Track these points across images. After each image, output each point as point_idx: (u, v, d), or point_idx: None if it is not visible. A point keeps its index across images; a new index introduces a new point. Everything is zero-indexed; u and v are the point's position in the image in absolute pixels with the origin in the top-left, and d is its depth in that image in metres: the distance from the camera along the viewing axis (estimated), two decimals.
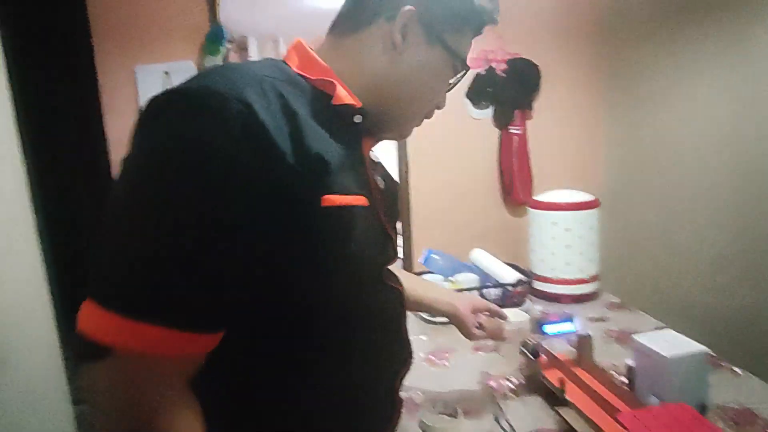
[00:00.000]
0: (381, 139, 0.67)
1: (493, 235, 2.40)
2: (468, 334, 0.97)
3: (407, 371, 0.70)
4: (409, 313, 1.43)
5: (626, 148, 2.31)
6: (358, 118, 0.58)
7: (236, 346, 0.49)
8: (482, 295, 1.49)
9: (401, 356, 0.68)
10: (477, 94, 2.32)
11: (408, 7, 0.57)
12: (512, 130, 2.36)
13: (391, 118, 0.62)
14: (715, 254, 1.82)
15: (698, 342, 1.15)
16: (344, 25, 0.61)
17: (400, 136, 0.68)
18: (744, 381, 1.02)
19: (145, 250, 0.42)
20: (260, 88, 0.47)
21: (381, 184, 0.68)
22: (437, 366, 1.16)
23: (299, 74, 0.57)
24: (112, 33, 2.03)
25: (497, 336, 1.00)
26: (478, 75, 2.31)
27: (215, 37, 2.01)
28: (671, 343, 0.86)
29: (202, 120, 0.43)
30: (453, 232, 2.39)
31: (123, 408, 0.44)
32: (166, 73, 2.02)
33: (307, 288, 0.51)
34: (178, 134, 0.43)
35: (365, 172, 0.60)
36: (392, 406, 0.67)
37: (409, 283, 0.88)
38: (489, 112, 2.37)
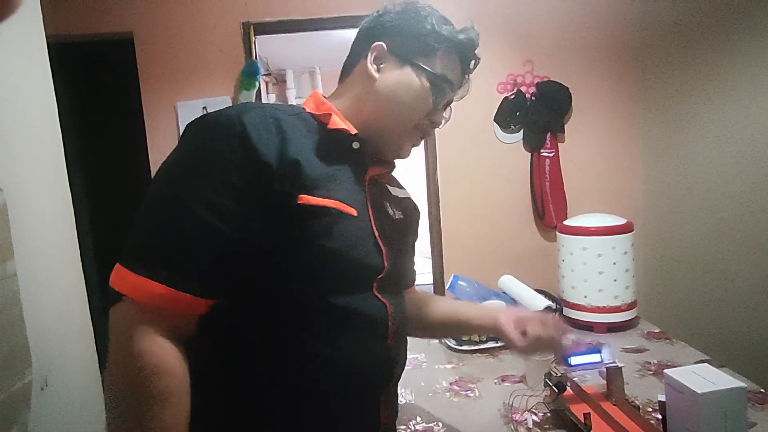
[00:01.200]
0: (386, 164, 0.77)
1: (525, 261, 2.35)
2: (511, 344, 0.82)
3: (391, 385, 0.71)
4: (434, 342, 1.43)
5: (665, 169, 2.22)
6: (356, 145, 0.69)
7: (226, 323, 0.60)
8: None
9: (385, 370, 0.69)
10: (506, 118, 2.32)
11: (377, 43, 0.71)
12: (544, 153, 2.32)
13: (383, 138, 0.72)
14: (765, 282, 1.70)
15: (746, 377, 1.07)
16: (343, 72, 0.77)
17: (401, 152, 0.75)
18: None
19: (154, 224, 0.56)
20: (260, 113, 0.62)
21: (396, 215, 0.76)
22: (460, 396, 1.13)
23: (310, 112, 0.70)
24: (156, 74, 2.18)
25: (546, 344, 0.82)
26: (506, 99, 2.31)
27: (250, 72, 2.11)
28: (706, 378, 0.80)
29: (212, 134, 0.60)
30: (484, 258, 2.35)
31: (121, 345, 0.54)
32: (204, 108, 2.13)
33: (290, 275, 0.61)
34: (195, 143, 0.60)
35: (362, 190, 0.69)
36: (375, 416, 0.69)
37: (451, 306, 0.93)
38: (519, 135, 2.35)
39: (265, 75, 3.84)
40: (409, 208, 0.83)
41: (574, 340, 1.43)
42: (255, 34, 2.22)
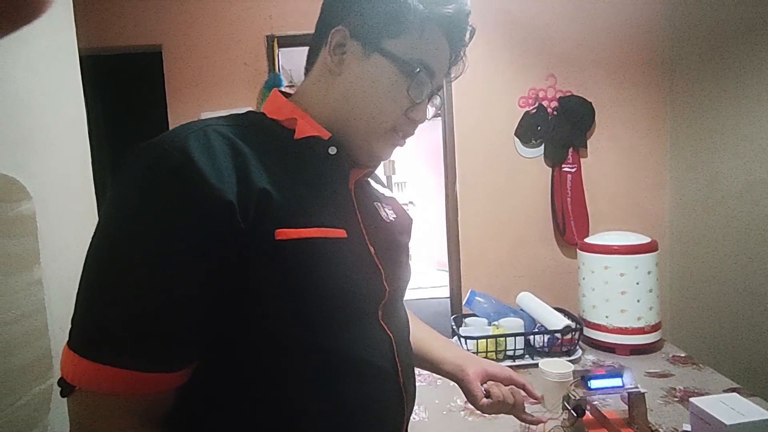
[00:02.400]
0: (368, 166, 0.65)
1: (544, 278, 2.31)
2: (474, 403, 0.80)
3: (407, 423, 0.64)
4: None
5: (693, 186, 2.16)
6: (332, 150, 0.58)
7: (210, 388, 0.51)
8: (528, 342, 1.42)
9: (396, 412, 0.61)
10: (526, 133, 2.30)
11: (336, 28, 0.58)
12: (566, 168, 2.30)
13: (358, 139, 0.60)
14: None
15: None
16: (307, 62, 0.64)
17: (378, 158, 0.63)
18: None
19: (104, 299, 0.45)
20: (203, 135, 0.49)
21: (388, 216, 0.67)
22: (475, 415, 1.11)
23: (271, 118, 0.59)
24: (182, 85, 2.24)
25: (512, 411, 0.80)
26: (527, 113, 2.29)
27: (272, 85, 2.15)
28: (735, 409, 0.77)
29: (150, 176, 0.46)
30: (502, 273, 2.32)
31: None
32: None
33: (280, 325, 0.50)
34: (131, 191, 0.47)
35: (347, 203, 0.59)
36: None
37: (420, 335, 0.82)
38: (540, 150, 2.33)
39: (288, 86, 3.90)
40: (398, 207, 0.73)
41: (594, 361, 1.39)
42: (279, 47, 2.27)
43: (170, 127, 2.42)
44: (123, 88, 2.69)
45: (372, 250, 0.59)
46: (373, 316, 0.59)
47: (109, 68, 2.44)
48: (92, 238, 0.49)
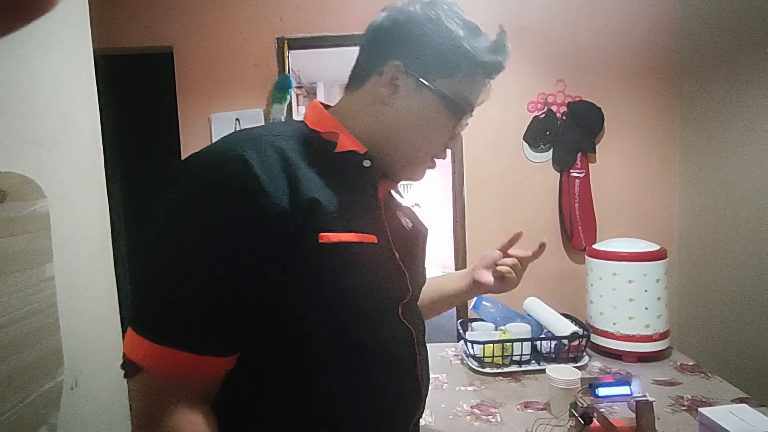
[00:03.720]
0: (398, 181, 0.71)
1: (552, 283, 2.30)
2: (488, 287, 0.91)
3: (420, 415, 0.69)
4: (456, 362, 1.40)
5: (703, 194, 2.15)
6: (366, 163, 0.63)
7: (250, 375, 0.55)
8: (534, 347, 1.42)
9: (415, 399, 0.66)
10: (535, 137, 2.29)
11: (394, 62, 0.62)
12: (574, 173, 2.29)
13: (396, 163, 0.66)
14: None
15: None
16: (351, 83, 0.68)
17: (412, 177, 0.70)
18: None
19: (164, 286, 0.51)
20: (258, 145, 0.54)
21: (408, 224, 0.73)
22: (481, 420, 1.11)
23: (312, 129, 0.64)
24: (192, 86, 2.26)
25: (519, 265, 0.94)
26: (535, 118, 2.29)
27: (282, 86, 2.16)
28: (744, 420, 0.76)
29: (208, 177, 0.52)
30: None
31: (147, 419, 0.51)
32: (237, 119, 2.19)
33: (315, 320, 0.55)
34: (190, 190, 0.53)
35: (377, 212, 0.64)
36: None
37: (433, 283, 0.93)
38: (549, 155, 2.32)
39: (296, 87, 3.92)
40: (415, 216, 0.79)
41: (601, 368, 1.38)
42: (289, 49, 2.28)
43: (181, 129, 2.43)
44: (134, 89, 2.72)
45: (397, 255, 0.65)
46: (394, 312, 0.64)
47: (121, 69, 2.47)
48: (151, 230, 0.53)
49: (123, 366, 0.52)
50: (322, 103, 0.69)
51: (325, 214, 0.55)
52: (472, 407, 1.17)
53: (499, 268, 0.91)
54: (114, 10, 2.23)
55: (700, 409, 0.81)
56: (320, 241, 0.54)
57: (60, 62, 1.04)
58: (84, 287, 1.10)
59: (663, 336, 1.42)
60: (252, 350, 0.55)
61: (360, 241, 0.58)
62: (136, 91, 2.75)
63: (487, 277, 0.90)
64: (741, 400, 1.15)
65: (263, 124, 0.64)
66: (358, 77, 0.67)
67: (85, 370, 1.08)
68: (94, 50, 1.18)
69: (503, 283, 0.92)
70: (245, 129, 0.59)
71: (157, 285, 0.52)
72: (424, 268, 0.79)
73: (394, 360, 0.62)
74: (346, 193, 0.59)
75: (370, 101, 0.65)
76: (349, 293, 0.56)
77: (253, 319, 0.53)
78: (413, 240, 0.73)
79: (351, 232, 0.57)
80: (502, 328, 1.45)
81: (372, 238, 0.60)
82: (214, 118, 2.23)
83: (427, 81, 0.62)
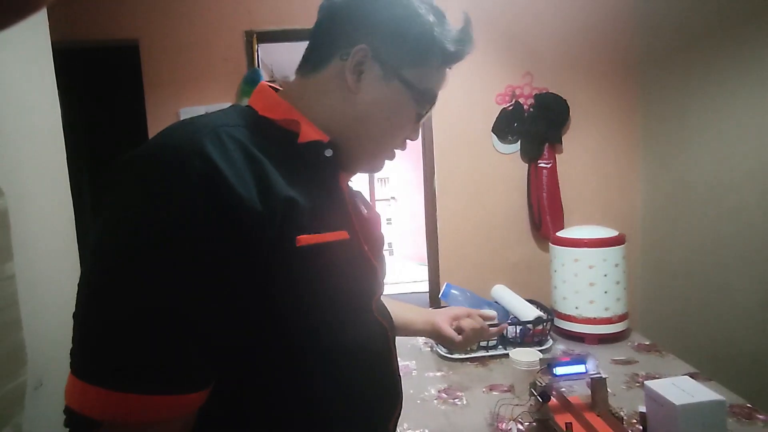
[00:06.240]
0: (355, 172, 0.67)
1: (520, 271, 2.36)
2: (452, 345, 0.95)
3: (399, 412, 0.68)
4: (426, 350, 1.44)
5: (663, 181, 2.24)
6: (328, 152, 0.57)
7: (224, 393, 0.50)
8: (504, 335, 1.46)
9: (392, 396, 0.65)
10: (503, 129, 2.34)
11: (360, 46, 0.57)
12: (541, 164, 2.35)
13: (357, 152, 0.62)
14: (761, 296, 1.71)
15: (737, 392, 1.08)
16: (307, 65, 0.61)
17: (372, 169, 0.67)
18: None
19: (117, 319, 0.41)
20: (218, 138, 0.47)
21: (365, 212, 0.68)
22: (448, 404, 1.15)
23: (264, 117, 0.57)
24: (160, 80, 2.22)
25: (482, 335, 0.98)
26: (504, 110, 2.34)
27: (251, 80, 2.14)
28: (685, 391, 0.81)
29: (163, 179, 0.43)
30: (479, 267, 2.37)
31: None
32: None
33: (293, 326, 0.51)
34: (143, 198, 0.43)
35: (344, 205, 0.61)
36: None
37: (390, 308, 0.88)
38: (517, 146, 2.37)
39: (269, 82, 3.88)
40: (366, 201, 0.74)
41: (563, 350, 1.44)
42: (258, 43, 2.27)
43: (149, 124, 2.38)
44: (99, 83, 2.66)
45: (366, 248, 0.61)
46: (369, 310, 0.63)
47: (85, 62, 2.41)
48: (94, 250, 0.44)
49: (69, 423, 0.42)
50: (270, 86, 0.63)
51: (301, 214, 0.49)
52: (439, 392, 1.21)
53: (462, 323, 0.96)
54: (78, 2, 2.17)
55: (645, 382, 0.86)
56: (298, 245, 0.49)
57: (16, 56, 1.02)
58: (48, 286, 1.08)
59: (622, 318, 1.49)
60: (228, 370, 0.49)
61: (335, 240, 0.54)
62: (103, 86, 2.69)
63: (450, 331, 0.94)
64: (691, 375, 1.22)
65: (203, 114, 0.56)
66: (316, 59, 0.60)
67: (50, 370, 1.07)
68: (55, 42, 1.15)
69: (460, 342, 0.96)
70: (189, 119, 0.51)
71: (111, 318, 0.42)
72: (384, 256, 0.75)
73: (373, 358, 0.61)
74: (314, 188, 0.54)
75: (332, 87, 0.59)
76: (328, 295, 0.53)
77: (231, 342, 0.47)
78: (373, 228, 0.69)
79: (326, 231, 0.52)
80: None
81: (344, 235, 0.56)
82: (183, 113, 2.20)
83: (395, 69, 0.58)
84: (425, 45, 0.59)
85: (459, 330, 0.96)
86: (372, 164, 0.65)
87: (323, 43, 0.60)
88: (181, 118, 2.10)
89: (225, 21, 2.24)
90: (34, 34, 1.10)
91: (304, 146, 0.56)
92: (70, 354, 0.43)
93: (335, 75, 0.59)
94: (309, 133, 0.56)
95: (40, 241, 1.06)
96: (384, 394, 0.64)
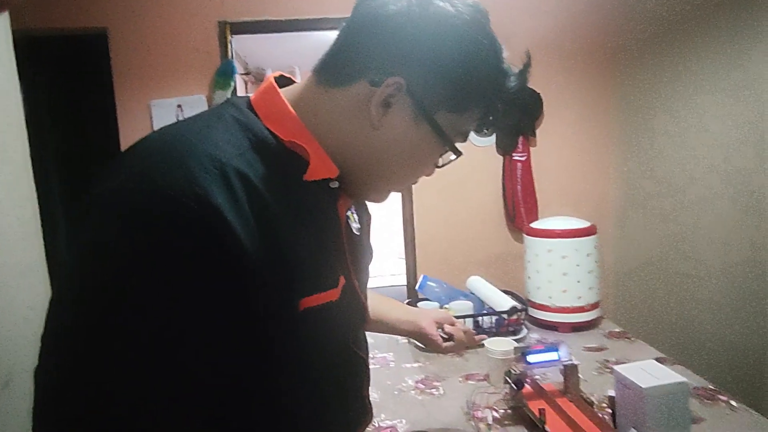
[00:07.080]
0: (358, 201, 0.63)
1: (495, 262, 2.40)
2: (437, 349, 0.97)
3: (365, 428, 0.69)
4: (403, 342, 1.45)
5: (634, 173, 2.30)
6: (334, 184, 0.52)
7: None
8: (476, 323, 1.49)
9: (360, 416, 0.66)
10: None
11: (395, 78, 0.48)
12: (516, 156, 2.38)
13: (365, 187, 0.56)
14: (725, 284, 1.78)
15: (702, 375, 1.14)
16: (328, 73, 0.52)
17: (376, 201, 0.60)
18: (740, 415, 0.98)
19: (109, 387, 0.37)
20: (222, 176, 0.40)
21: (357, 228, 0.63)
22: (425, 394, 1.16)
23: (270, 131, 0.49)
24: (130, 71, 2.16)
25: (469, 343, 1.00)
26: None
27: (225, 72, 2.11)
28: (651, 374, 0.84)
29: (158, 229, 0.37)
30: (455, 259, 2.39)
31: None
32: (179, 106, 2.13)
33: (285, 379, 0.48)
34: (133, 246, 0.37)
35: (342, 245, 0.56)
36: None
37: (373, 302, 0.82)
38: (492, 139, 2.40)
39: (243, 74, 3.82)
40: (360, 210, 0.68)
41: (538, 339, 1.47)
42: (231, 33, 2.22)
43: (119, 116, 2.31)
44: (66, 74, 2.57)
45: (357, 285, 0.59)
46: (348, 344, 0.59)
47: (53, 52, 2.32)
48: (62, 303, 0.39)
49: None
50: (278, 79, 0.55)
51: (307, 276, 0.46)
52: (416, 382, 1.22)
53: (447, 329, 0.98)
54: None
55: (614, 367, 0.89)
56: (301, 309, 0.45)
57: None
58: (14, 285, 1.05)
59: (594, 306, 1.53)
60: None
61: (337, 298, 0.51)
62: (70, 77, 2.60)
63: (437, 336, 0.96)
64: (659, 360, 1.27)
65: (203, 110, 0.49)
66: (339, 71, 0.51)
67: (18, 369, 1.04)
68: (20, 31, 1.11)
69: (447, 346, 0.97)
70: (183, 136, 0.44)
71: (102, 380, 0.37)
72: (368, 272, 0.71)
73: (348, 390, 0.60)
74: (318, 233, 0.50)
75: (352, 112, 0.50)
76: (323, 348, 0.51)
77: (224, 409, 0.43)
78: (363, 243, 0.65)
79: (326, 288, 0.49)
80: (447, 306, 1.51)
81: (342, 281, 0.52)
82: (154, 105, 2.15)
83: (428, 111, 0.50)
84: (476, 94, 0.51)
85: (448, 336, 0.97)
86: (378, 198, 0.59)
87: (353, 58, 0.50)
88: (152, 110, 2.02)
89: (197, 10, 2.19)
90: None
91: (312, 181, 0.50)
92: (37, 409, 0.39)
93: (359, 99, 0.50)
94: (318, 168, 0.50)
95: (4, 241, 1.02)
96: (353, 417, 0.64)
